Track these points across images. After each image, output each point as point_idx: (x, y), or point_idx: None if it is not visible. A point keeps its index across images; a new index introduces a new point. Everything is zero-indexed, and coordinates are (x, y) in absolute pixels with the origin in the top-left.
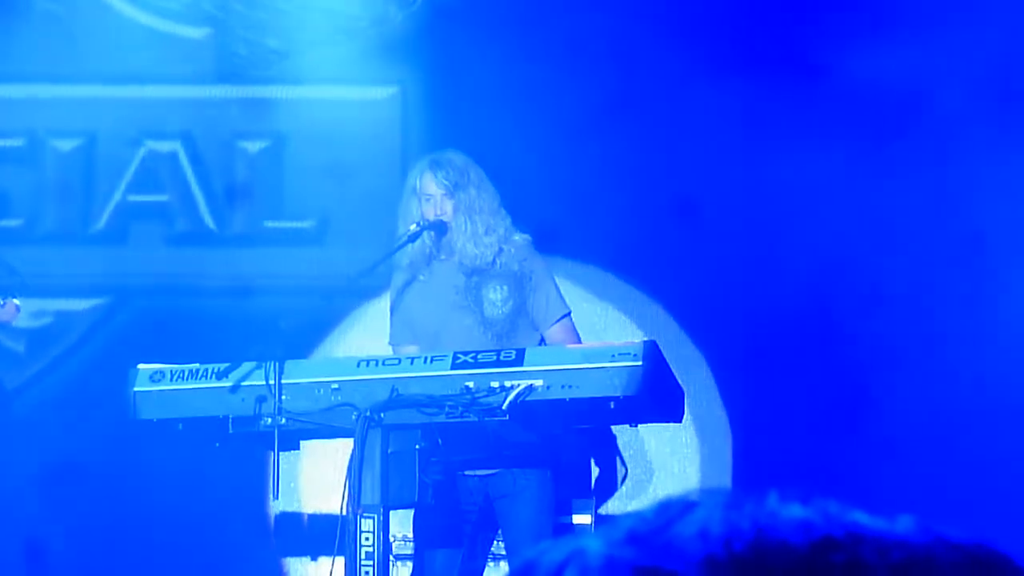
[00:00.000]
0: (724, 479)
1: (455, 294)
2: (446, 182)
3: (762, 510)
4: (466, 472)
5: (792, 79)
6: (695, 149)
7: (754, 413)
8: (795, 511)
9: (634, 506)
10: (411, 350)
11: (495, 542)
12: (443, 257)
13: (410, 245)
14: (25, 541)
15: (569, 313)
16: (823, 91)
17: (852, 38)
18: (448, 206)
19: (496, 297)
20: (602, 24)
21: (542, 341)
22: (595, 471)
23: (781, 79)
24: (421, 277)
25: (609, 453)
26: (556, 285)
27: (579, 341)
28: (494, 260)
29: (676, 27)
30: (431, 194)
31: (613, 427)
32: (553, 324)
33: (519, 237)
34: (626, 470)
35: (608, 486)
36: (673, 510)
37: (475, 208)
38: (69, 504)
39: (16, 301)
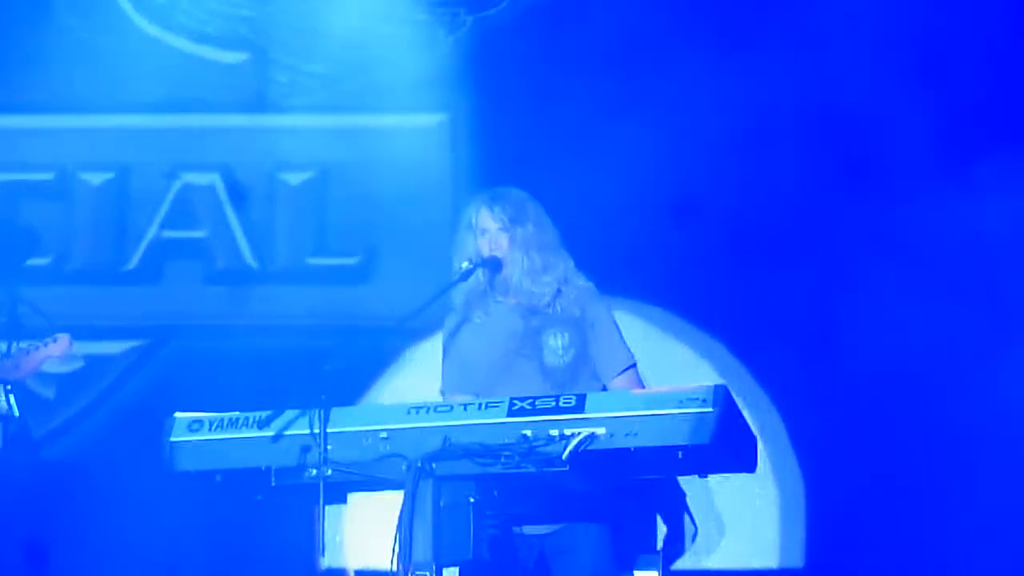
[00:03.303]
0: (799, 532)
1: (513, 340)
2: (503, 216)
3: None
4: (522, 528)
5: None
6: (773, 183)
7: (829, 460)
8: None
9: (706, 563)
10: (465, 400)
11: None
12: (500, 298)
13: (463, 284)
14: None
15: (635, 364)
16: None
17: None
18: (504, 241)
19: (557, 344)
20: (666, 41)
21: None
22: (662, 525)
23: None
24: (477, 319)
25: (677, 505)
26: (620, 334)
27: None
28: (553, 302)
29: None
30: (486, 228)
31: (681, 477)
32: (617, 375)
33: (583, 282)
34: (695, 523)
35: (676, 541)
36: None
37: (532, 244)
38: (103, 559)
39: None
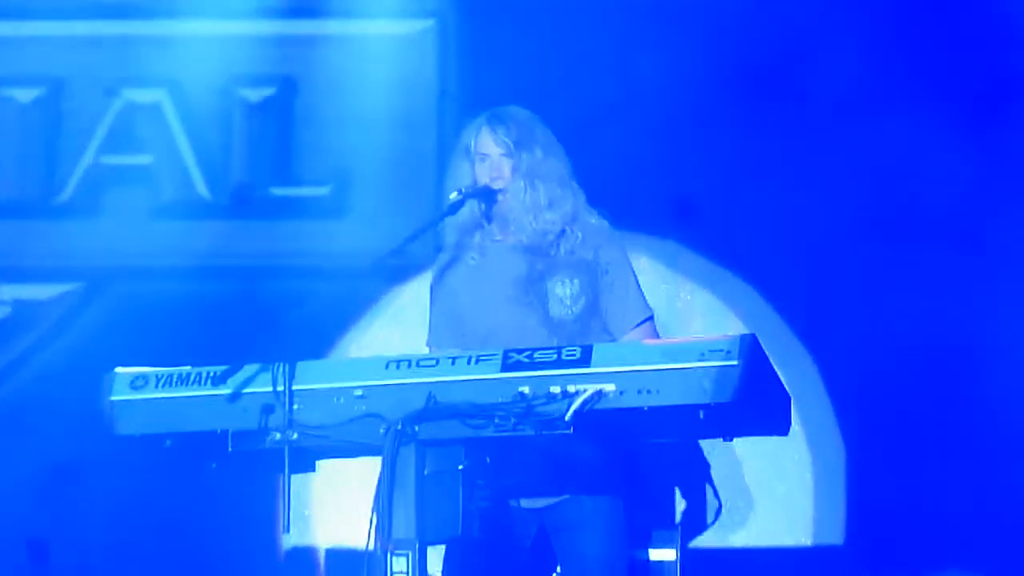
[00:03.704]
0: (838, 504)
1: (513, 286)
2: (506, 139)
3: None
4: (519, 501)
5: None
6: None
7: (872, 421)
8: None
9: (732, 539)
10: (454, 354)
11: None
12: (499, 237)
13: (455, 218)
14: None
15: (652, 317)
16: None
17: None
18: (506, 167)
19: (564, 292)
20: None
21: None
22: (680, 496)
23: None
24: (471, 261)
25: (697, 473)
26: (637, 281)
27: None
28: (557, 243)
29: None
30: (487, 153)
31: (703, 441)
32: (632, 329)
33: (595, 220)
34: (718, 495)
35: (698, 514)
36: None
37: (538, 173)
38: (32, 535)
39: None
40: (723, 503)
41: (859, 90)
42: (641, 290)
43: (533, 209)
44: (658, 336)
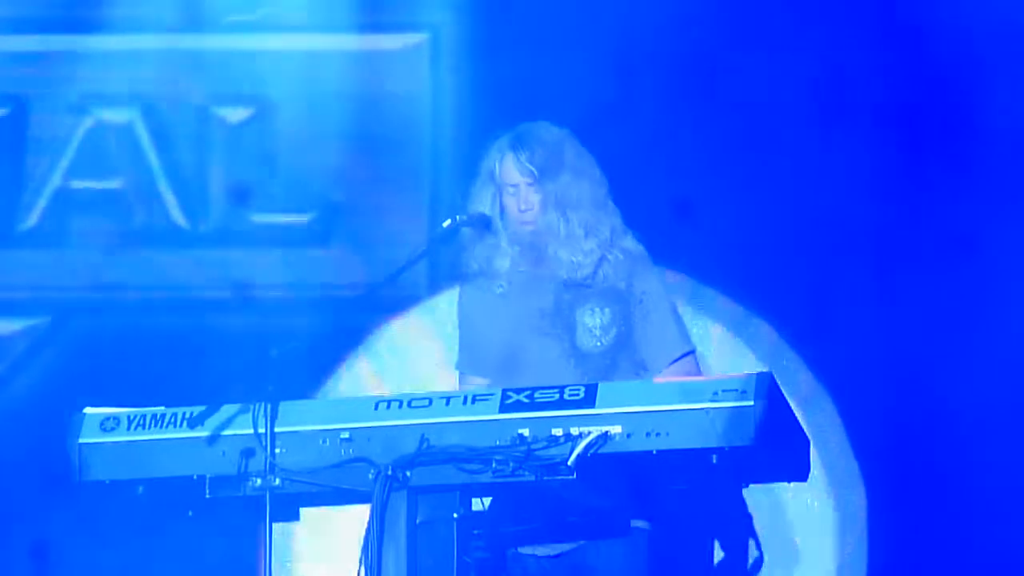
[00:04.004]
0: (860, 554)
1: (539, 315)
2: (531, 166)
3: None
4: (520, 550)
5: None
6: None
7: (896, 467)
8: None
9: None
10: (478, 383)
11: None
12: (523, 268)
13: (477, 244)
14: None
15: (693, 351)
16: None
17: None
18: (535, 198)
19: (594, 323)
20: None
21: None
22: (702, 543)
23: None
24: (497, 290)
25: (717, 521)
26: (676, 312)
27: None
28: (595, 272)
29: None
30: (513, 182)
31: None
32: (670, 364)
33: (631, 244)
34: (759, 542)
35: (721, 565)
36: None
37: (569, 201)
38: None
39: None
40: (743, 551)
41: (866, 96)
42: (681, 322)
43: (569, 241)
44: (701, 373)
